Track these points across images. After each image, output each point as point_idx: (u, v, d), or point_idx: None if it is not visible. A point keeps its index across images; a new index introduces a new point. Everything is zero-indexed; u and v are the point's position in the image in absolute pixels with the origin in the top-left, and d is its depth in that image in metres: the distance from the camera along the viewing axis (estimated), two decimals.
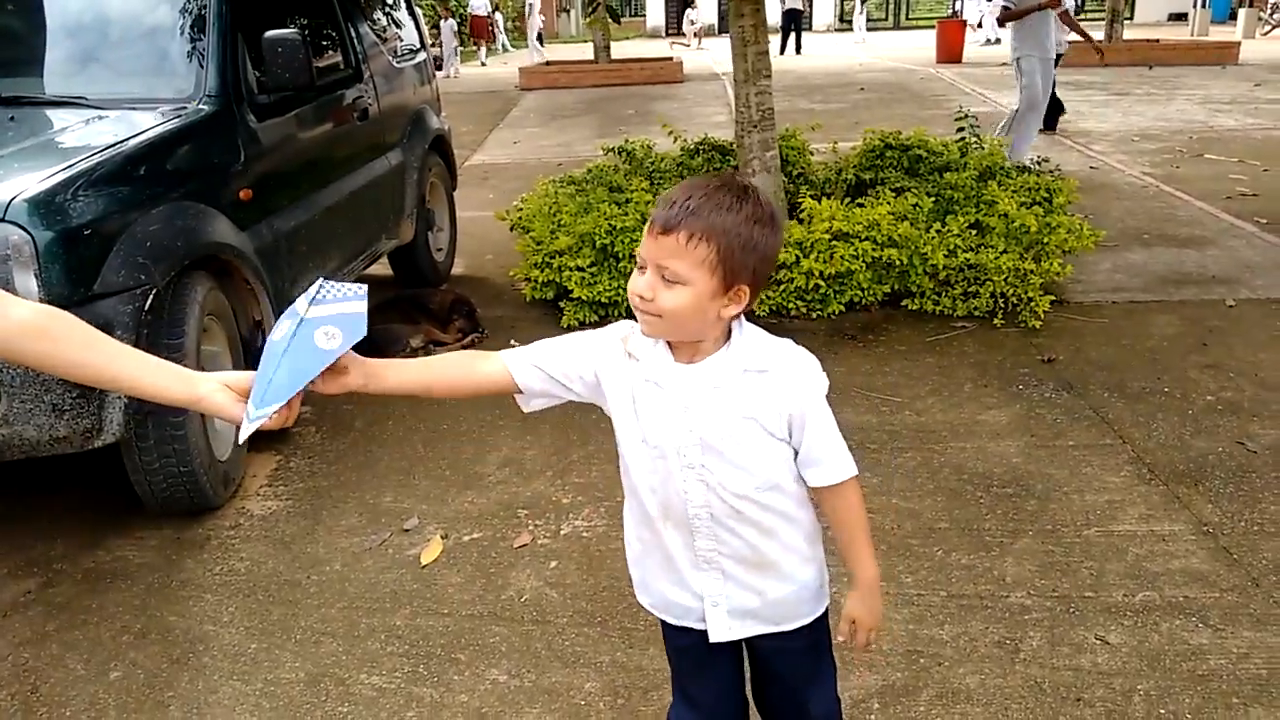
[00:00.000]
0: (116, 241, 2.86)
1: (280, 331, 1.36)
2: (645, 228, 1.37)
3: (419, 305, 4.67)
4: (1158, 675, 2.30)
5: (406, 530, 3.06)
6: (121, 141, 3.11)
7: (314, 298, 1.38)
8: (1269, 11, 24.08)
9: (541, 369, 1.48)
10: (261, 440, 3.64)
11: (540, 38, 23.31)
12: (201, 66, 3.59)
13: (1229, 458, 3.31)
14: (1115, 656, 2.37)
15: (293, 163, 4.00)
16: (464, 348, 4.57)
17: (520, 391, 1.50)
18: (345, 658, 2.47)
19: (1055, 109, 10.15)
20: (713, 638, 1.51)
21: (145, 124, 3.29)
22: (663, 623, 1.59)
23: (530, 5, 23.37)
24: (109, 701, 2.35)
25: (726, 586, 1.49)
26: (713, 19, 34.43)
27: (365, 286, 1.44)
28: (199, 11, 3.67)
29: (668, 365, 1.42)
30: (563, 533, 3.01)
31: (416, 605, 2.68)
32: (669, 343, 1.42)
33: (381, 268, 5.38)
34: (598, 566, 2.83)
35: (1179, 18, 27.80)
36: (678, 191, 1.36)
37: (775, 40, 20.73)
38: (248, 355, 3.54)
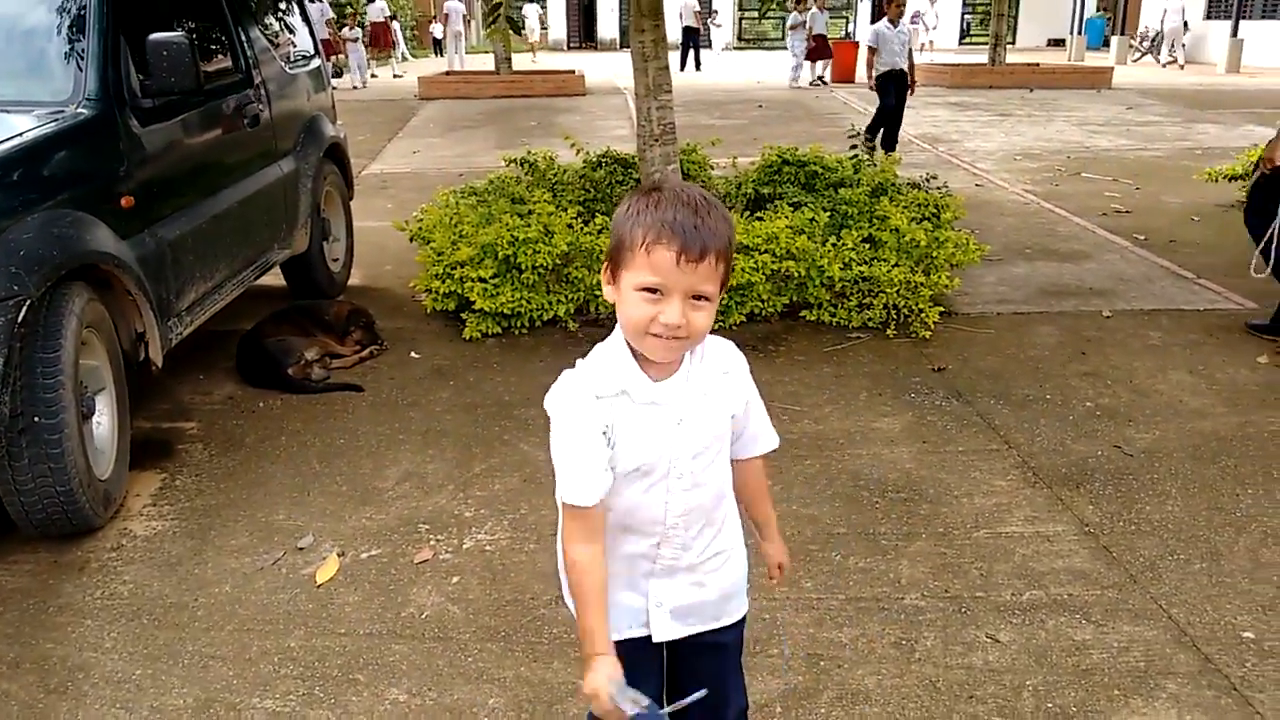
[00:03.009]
0: None
1: None
2: (645, 257, 1.32)
3: (314, 317, 4.54)
4: (1045, 671, 2.39)
5: (301, 549, 2.96)
6: None
7: None
8: (1139, 40, 25.49)
9: (601, 476, 1.41)
10: (145, 457, 3.49)
11: (456, 45, 22.99)
12: (80, 68, 3.43)
13: (1107, 461, 3.47)
14: (1005, 654, 2.45)
15: (178, 169, 3.85)
16: (361, 360, 4.47)
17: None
18: (236, 682, 2.38)
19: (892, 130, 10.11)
20: (656, 638, 1.52)
21: (19, 127, 3.13)
22: None
23: (450, 12, 22.95)
24: None
25: (675, 587, 1.51)
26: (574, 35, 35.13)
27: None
28: (78, 11, 3.51)
29: (649, 384, 1.40)
30: (465, 547, 2.96)
31: (312, 626, 2.60)
32: (639, 362, 1.40)
33: (274, 278, 5.22)
34: (501, 580, 2.79)
35: (1057, 43, 29.20)
36: (675, 213, 1.32)
37: (675, 56, 20.85)
38: (129, 369, 3.39)
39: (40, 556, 2.91)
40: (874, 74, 10.06)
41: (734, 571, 1.58)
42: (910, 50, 10.14)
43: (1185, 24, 24.08)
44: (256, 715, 2.26)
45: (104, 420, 3.19)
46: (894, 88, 9.89)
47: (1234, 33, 21.89)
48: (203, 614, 2.65)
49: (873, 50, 9.89)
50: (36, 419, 2.77)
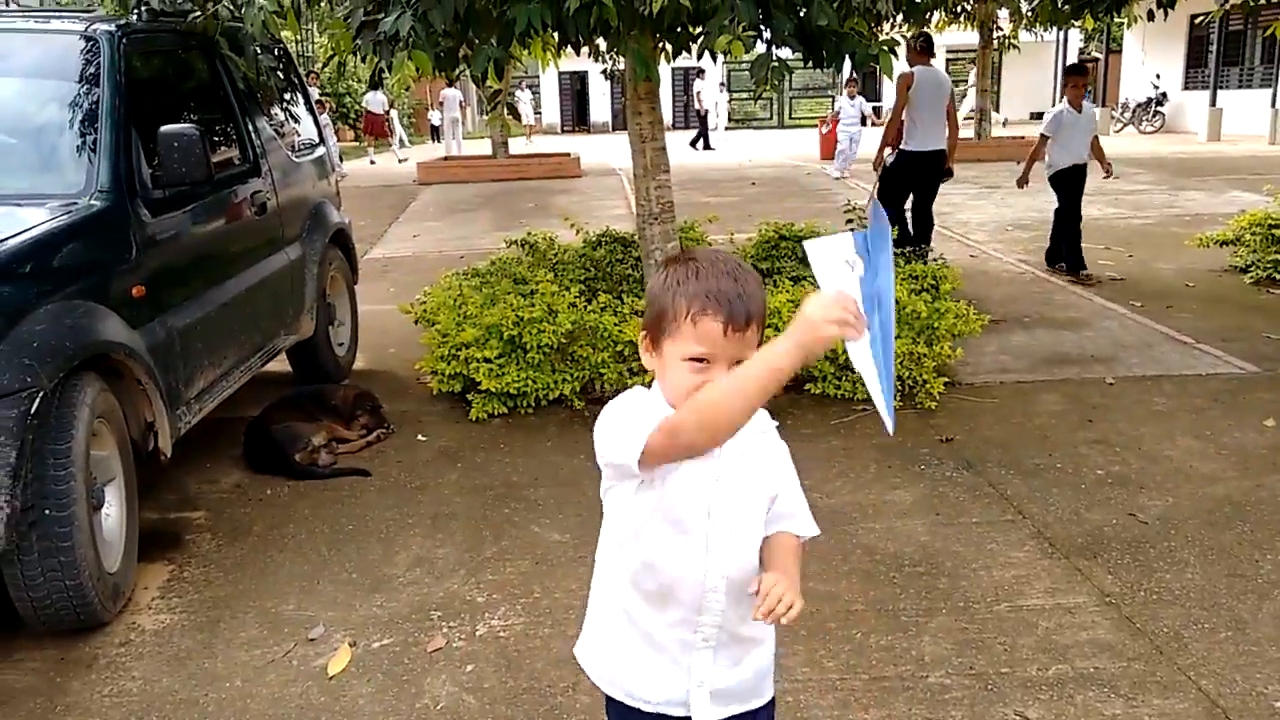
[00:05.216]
0: (0, 342, 2.72)
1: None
2: (691, 327, 1.36)
3: (321, 402, 4.54)
4: None
5: (311, 640, 2.91)
6: (6, 239, 2.99)
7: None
8: (1119, 111, 26.08)
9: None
10: (152, 548, 3.45)
11: (454, 132, 23.37)
12: (92, 162, 3.49)
13: (1123, 529, 3.45)
14: None
15: (188, 258, 3.90)
16: (368, 444, 4.45)
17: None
18: None
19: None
20: (697, 719, 1.49)
21: (32, 220, 3.17)
22: (628, 713, 1.53)
23: (447, 100, 23.43)
24: None
25: (715, 665, 1.49)
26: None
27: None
28: (90, 106, 3.59)
29: None
30: (478, 634, 2.92)
31: None
32: None
33: (280, 364, 5.23)
34: (516, 667, 2.74)
35: (1039, 116, 29.86)
36: (718, 283, 1.36)
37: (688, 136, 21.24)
38: (139, 459, 3.37)
39: (47, 653, 2.86)
40: (1040, 170, 7.89)
41: (767, 650, 1.57)
42: (1096, 136, 7.68)
43: (1164, 95, 24.71)
44: None
45: (113, 511, 3.16)
46: (1072, 185, 7.71)
47: (1212, 102, 22.43)
48: (214, 710, 2.59)
49: (1045, 139, 7.68)
50: (47, 511, 2.75)
